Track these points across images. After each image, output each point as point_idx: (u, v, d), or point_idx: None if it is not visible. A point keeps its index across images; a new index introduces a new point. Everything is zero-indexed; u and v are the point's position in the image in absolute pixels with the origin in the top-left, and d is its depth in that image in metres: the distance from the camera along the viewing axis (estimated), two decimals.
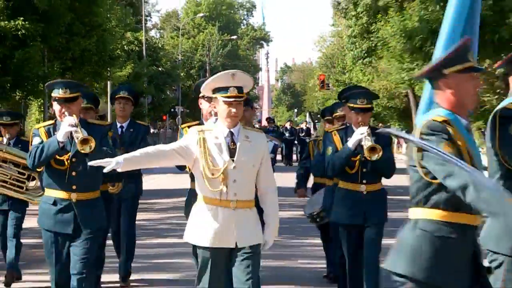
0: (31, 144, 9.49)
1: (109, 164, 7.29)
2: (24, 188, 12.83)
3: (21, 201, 13.06)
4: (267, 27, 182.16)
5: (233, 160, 7.45)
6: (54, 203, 8.96)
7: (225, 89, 7.36)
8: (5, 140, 12.92)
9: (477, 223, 6.52)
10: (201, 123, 9.71)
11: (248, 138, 7.68)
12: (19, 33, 33.93)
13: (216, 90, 7.46)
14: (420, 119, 6.82)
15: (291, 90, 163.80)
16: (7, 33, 33.84)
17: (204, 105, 9.92)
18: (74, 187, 8.93)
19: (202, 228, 7.62)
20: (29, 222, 15.41)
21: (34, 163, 8.98)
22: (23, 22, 33.88)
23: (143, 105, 71.51)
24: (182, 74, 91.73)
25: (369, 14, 48.23)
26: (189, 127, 9.70)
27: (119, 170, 7.79)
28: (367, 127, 10.42)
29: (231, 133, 7.62)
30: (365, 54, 56.58)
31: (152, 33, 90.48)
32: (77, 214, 8.93)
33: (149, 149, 7.88)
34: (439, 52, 10.63)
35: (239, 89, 7.52)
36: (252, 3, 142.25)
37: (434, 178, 6.07)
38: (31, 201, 12.99)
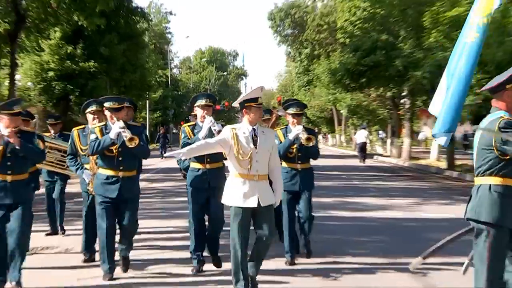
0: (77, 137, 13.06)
1: (179, 154, 10.51)
2: (65, 166, 14.75)
3: (64, 174, 15.77)
4: (246, 66, 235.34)
5: (256, 148, 10.02)
6: (107, 178, 11.26)
7: (255, 98, 10.27)
8: (52, 134, 15.79)
9: None
10: (196, 124, 12.68)
11: (264, 133, 10.34)
12: (91, 70, 49.21)
13: (248, 101, 10.15)
14: (488, 120, 9.22)
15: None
16: (84, 70, 49.14)
17: (198, 112, 12.74)
18: (121, 168, 11.28)
19: (235, 193, 10.04)
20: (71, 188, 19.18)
21: (92, 152, 11.37)
22: (94, 63, 48.60)
23: (169, 115, 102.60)
24: (192, 96, 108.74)
25: (308, 59, 64.50)
26: (188, 126, 12.91)
27: (183, 158, 12.15)
28: (301, 126, 13.15)
29: (254, 129, 10.19)
30: (306, 84, 78.21)
31: (174, 70, 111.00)
32: (122, 186, 11.20)
33: (201, 142, 10.87)
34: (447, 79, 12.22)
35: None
36: (236, 52, 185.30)
37: (503, 155, 8.59)
38: (71, 175, 15.58)
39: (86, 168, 12.35)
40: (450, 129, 11.63)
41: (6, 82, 40.94)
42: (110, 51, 46.82)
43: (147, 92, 70.26)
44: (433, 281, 11.26)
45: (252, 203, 9.63)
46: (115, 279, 10.98)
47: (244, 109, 9.97)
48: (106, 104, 11.30)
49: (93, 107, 12.40)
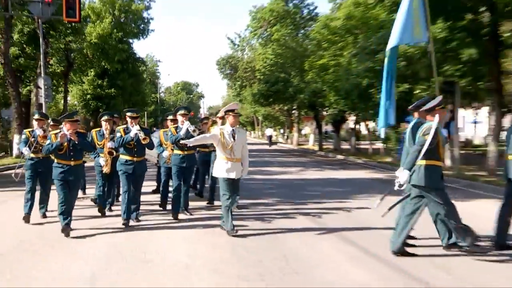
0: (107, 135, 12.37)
1: (189, 142, 10.20)
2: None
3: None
4: (204, 91, 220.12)
5: (234, 141, 10.09)
6: (126, 161, 11.10)
7: (233, 109, 10.38)
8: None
9: (440, 164, 8.89)
10: (178, 127, 12.28)
11: (239, 132, 10.30)
12: (112, 94, 47.56)
13: (229, 111, 10.32)
14: (415, 125, 9.36)
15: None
16: (108, 94, 47.84)
17: (179, 118, 12.45)
18: (135, 155, 11.10)
19: (223, 169, 10.08)
20: None
21: (118, 146, 11.27)
22: (113, 90, 47.62)
23: (158, 120, 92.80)
24: (172, 110, 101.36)
25: (239, 88, 64.39)
26: (173, 127, 12.52)
27: (190, 145, 10.96)
28: (188, 123, 12.06)
29: (233, 130, 10.24)
30: (240, 101, 68.51)
31: (161, 94, 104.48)
32: (135, 166, 11.07)
33: (201, 135, 11.00)
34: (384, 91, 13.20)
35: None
36: (198, 83, 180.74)
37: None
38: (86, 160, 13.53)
39: (101, 156, 12.26)
40: (383, 126, 13.94)
41: (62, 102, 41.08)
42: (123, 83, 47.65)
43: (145, 107, 70.41)
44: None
45: (232, 175, 9.99)
46: (130, 226, 10.80)
47: (226, 116, 10.32)
48: (128, 114, 11.36)
49: (105, 117, 12.43)
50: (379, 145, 39.37)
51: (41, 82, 26.37)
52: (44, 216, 11.63)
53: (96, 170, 12.74)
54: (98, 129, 12.37)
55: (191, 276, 7.29)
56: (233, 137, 10.06)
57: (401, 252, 8.47)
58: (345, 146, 46.64)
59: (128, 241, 9.48)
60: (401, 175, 8.30)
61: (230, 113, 10.24)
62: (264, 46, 57.17)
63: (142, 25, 48.09)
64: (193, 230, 10.64)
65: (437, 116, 8.49)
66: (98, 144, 12.45)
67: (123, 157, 11.13)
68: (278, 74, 49.52)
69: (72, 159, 9.81)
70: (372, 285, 6.92)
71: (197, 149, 13.18)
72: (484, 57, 20.92)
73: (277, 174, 22.56)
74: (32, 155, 11.14)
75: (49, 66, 34.51)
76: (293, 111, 56.11)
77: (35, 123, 11.48)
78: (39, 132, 11.18)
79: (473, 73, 22.73)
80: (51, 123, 12.32)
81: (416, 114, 9.60)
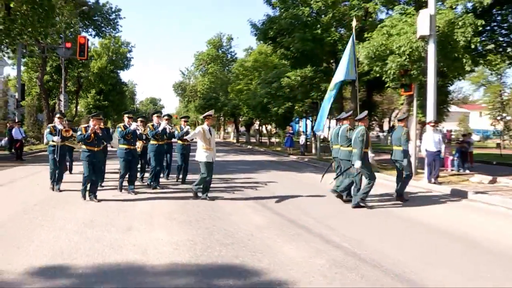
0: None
1: (188, 137, 9.97)
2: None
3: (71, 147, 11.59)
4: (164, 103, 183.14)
5: (211, 136, 9.21)
6: (126, 149, 9.88)
7: (210, 114, 9.45)
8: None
9: (367, 151, 8.73)
10: (155, 125, 10.98)
11: (212, 130, 9.36)
12: (106, 105, 45.65)
13: (207, 116, 9.42)
14: (344, 129, 9.14)
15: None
16: (103, 105, 45.32)
17: (155, 120, 11.27)
18: (132, 145, 9.95)
19: (204, 156, 9.06)
20: None
21: (120, 138, 9.89)
22: (107, 103, 46.17)
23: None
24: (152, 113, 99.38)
25: (187, 103, 63.00)
26: (151, 125, 11.07)
27: (189, 139, 10.41)
28: (165, 123, 10.94)
29: (209, 128, 9.34)
30: (186, 111, 64.01)
31: (137, 105, 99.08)
32: (132, 153, 9.92)
33: (192, 132, 9.78)
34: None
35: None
36: (160, 98, 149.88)
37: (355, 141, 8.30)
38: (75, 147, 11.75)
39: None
40: (317, 130, 13.12)
41: (74, 110, 39.82)
42: (113, 98, 46.21)
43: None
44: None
45: (210, 160, 9.14)
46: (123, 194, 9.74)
47: (206, 119, 9.39)
48: (127, 115, 10.45)
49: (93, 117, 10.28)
50: (272, 140, 40.01)
51: (62, 97, 28.43)
52: (58, 189, 10.09)
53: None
54: (124, 124, 10.27)
55: (153, 220, 7.17)
56: (210, 133, 9.28)
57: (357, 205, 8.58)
58: (252, 140, 47.00)
59: (115, 202, 8.85)
60: (357, 164, 8.40)
61: (209, 117, 9.44)
62: (203, 76, 58.18)
63: (126, 62, 47.62)
64: (159, 195, 9.97)
65: (365, 123, 8.88)
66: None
67: (123, 146, 9.97)
68: (211, 94, 49.86)
69: (96, 146, 9.01)
70: (263, 225, 6.95)
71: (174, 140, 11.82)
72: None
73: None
74: (54, 142, 9.98)
75: (67, 87, 35.77)
76: (220, 118, 55.55)
77: (56, 120, 10.45)
78: (60, 126, 10.17)
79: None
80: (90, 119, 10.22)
81: (345, 122, 9.62)
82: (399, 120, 9.83)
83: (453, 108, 38.62)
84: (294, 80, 24.52)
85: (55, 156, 9.99)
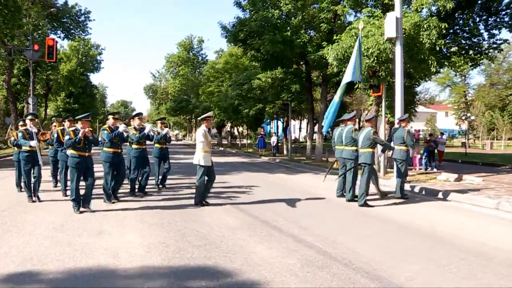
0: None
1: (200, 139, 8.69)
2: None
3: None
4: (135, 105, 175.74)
5: (211, 138, 9.11)
6: (112, 153, 8.81)
7: (209, 116, 8.82)
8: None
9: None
10: (134, 126, 10.15)
11: (212, 130, 8.98)
12: (76, 108, 43.55)
13: (206, 117, 8.80)
14: (364, 131, 8.99)
15: None
16: (73, 108, 43.35)
17: (137, 121, 10.36)
18: (119, 148, 8.90)
19: (205, 160, 8.60)
20: None
21: (107, 141, 8.72)
22: (77, 106, 44.74)
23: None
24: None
25: (158, 105, 62.80)
26: (133, 128, 10.12)
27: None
28: (150, 125, 10.41)
29: (209, 129, 9.03)
30: (158, 113, 62.46)
31: (108, 108, 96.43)
32: (119, 156, 8.93)
33: (199, 135, 8.77)
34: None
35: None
36: (132, 101, 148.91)
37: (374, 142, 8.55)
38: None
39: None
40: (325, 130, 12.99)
41: (43, 113, 39.20)
42: (83, 101, 45.58)
43: (97, 116, 63.86)
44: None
45: (209, 163, 8.74)
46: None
47: (205, 120, 8.77)
48: (112, 116, 9.35)
49: (66, 120, 9.86)
50: (244, 141, 39.93)
51: (30, 100, 27.45)
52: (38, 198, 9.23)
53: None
54: (109, 126, 9.11)
55: (125, 223, 7.08)
56: (210, 136, 8.89)
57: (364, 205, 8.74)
58: (224, 141, 46.90)
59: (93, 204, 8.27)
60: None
61: (208, 119, 8.84)
62: (174, 78, 57.67)
63: (96, 64, 46.92)
64: (131, 198, 9.73)
65: (372, 124, 9.33)
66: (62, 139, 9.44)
67: (108, 150, 8.89)
68: (182, 96, 49.68)
69: (87, 151, 8.03)
70: (236, 226, 6.93)
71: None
72: (304, 90, 21.87)
73: (182, 159, 21.54)
74: (30, 148, 9.04)
75: (36, 90, 35.29)
76: (192, 120, 55.26)
77: (28, 122, 9.44)
78: (34, 129, 9.22)
79: (298, 99, 23.77)
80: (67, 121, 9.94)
81: (349, 122, 10.05)
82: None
83: (420, 109, 39.54)
84: (265, 82, 24.63)
85: (27, 164, 9.12)
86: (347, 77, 11.97)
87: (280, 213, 8.02)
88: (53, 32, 32.34)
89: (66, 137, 8.00)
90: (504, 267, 5.08)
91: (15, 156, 9.95)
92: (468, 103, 51.63)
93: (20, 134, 9.28)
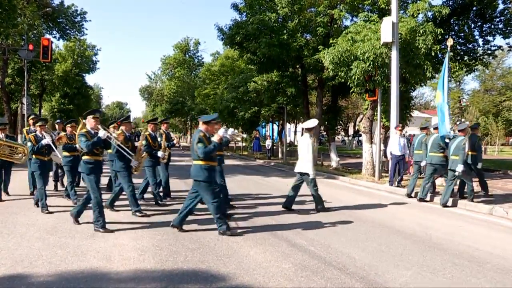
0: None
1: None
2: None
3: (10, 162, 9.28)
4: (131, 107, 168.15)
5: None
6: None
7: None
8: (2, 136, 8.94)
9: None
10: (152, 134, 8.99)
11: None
12: (71, 108, 43.85)
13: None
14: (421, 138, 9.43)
15: None
16: (68, 109, 44.03)
17: (129, 125, 8.38)
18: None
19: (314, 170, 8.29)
20: None
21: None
22: (72, 106, 44.27)
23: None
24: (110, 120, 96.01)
25: (154, 106, 62.22)
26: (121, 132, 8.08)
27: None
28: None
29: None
30: (153, 115, 62.08)
31: (104, 109, 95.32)
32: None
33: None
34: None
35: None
36: (127, 103, 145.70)
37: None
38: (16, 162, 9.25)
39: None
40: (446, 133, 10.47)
41: (37, 113, 38.72)
42: (78, 102, 44.38)
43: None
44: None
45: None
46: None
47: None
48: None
49: (70, 124, 9.33)
50: (239, 144, 39.90)
51: (24, 100, 26.75)
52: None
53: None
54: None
55: (118, 226, 6.94)
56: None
57: None
58: None
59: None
60: (459, 167, 9.17)
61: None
62: (169, 80, 57.41)
63: (92, 65, 46.63)
64: (124, 202, 8.69)
65: (464, 133, 9.62)
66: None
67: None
68: (178, 98, 49.54)
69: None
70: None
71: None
72: (299, 93, 21.87)
73: (177, 161, 21.28)
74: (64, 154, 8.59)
75: (30, 90, 34.95)
76: (187, 122, 55.21)
77: (38, 129, 8.59)
78: (47, 139, 8.41)
79: (294, 102, 23.77)
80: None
81: (434, 131, 10.66)
82: (459, 130, 9.88)
83: (415, 113, 39.57)
84: (261, 85, 24.64)
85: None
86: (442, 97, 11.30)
87: (275, 216, 7.99)
88: (48, 32, 31.98)
89: (83, 139, 6.83)
90: (497, 272, 5.10)
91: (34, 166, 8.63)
92: (463, 109, 51.85)
93: (29, 143, 8.59)
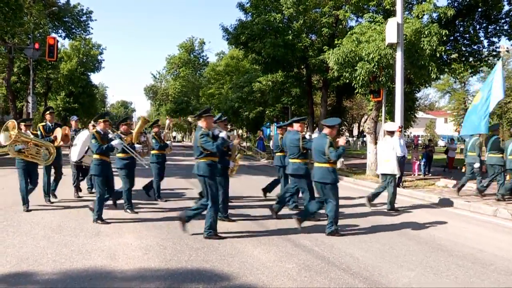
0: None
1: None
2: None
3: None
4: (135, 106, 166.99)
5: None
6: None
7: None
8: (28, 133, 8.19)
9: None
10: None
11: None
12: (76, 107, 43.68)
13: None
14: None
15: None
16: (74, 107, 43.55)
17: (123, 128, 8.39)
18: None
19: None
20: None
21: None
22: (77, 105, 44.28)
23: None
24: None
25: (158, 106, 63.00)
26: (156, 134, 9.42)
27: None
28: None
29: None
30: (157, 114, 63.95)
31: (108, 108, 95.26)
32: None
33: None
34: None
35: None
36: (132, 102, 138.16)
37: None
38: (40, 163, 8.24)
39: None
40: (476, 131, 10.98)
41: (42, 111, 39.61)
42: (83, 101, 44.68)
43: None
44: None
45: None
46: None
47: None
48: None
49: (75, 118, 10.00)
50: (244, 144, 39.83)
51: (30, 99, 27.21)
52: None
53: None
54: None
55: (122, 225, 6.99)
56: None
57: None
58: None
59: (84, 207, 8.23)
60: (477, 165, 10.38)
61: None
62: (174, 80, 57.60)
63: (97, 64, 46.81)
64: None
65: (497, 132, 10.64)
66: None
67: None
68: (183, 97, 49.65)
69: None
70: (234, 229, 6.89)
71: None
72: (304, 94, 21.90)
73: (181, 161, 21.61)
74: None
75: (35, 88, 35.06)
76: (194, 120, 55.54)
77: (102, 125, 7.63)
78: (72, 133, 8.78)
79: (298, 103, 23.80)
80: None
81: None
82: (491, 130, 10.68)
83: (420, 114, 39.54)
84: (265, 85, 24.69)
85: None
86: (499, 94, 10.78)
87: (279, 216, 7.92)
88: (54, 31, 32.27)
89: (93, 141, 7.23)
90: (501, 274, 5.08)
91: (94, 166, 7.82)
92: (467, 110, 51.62)
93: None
